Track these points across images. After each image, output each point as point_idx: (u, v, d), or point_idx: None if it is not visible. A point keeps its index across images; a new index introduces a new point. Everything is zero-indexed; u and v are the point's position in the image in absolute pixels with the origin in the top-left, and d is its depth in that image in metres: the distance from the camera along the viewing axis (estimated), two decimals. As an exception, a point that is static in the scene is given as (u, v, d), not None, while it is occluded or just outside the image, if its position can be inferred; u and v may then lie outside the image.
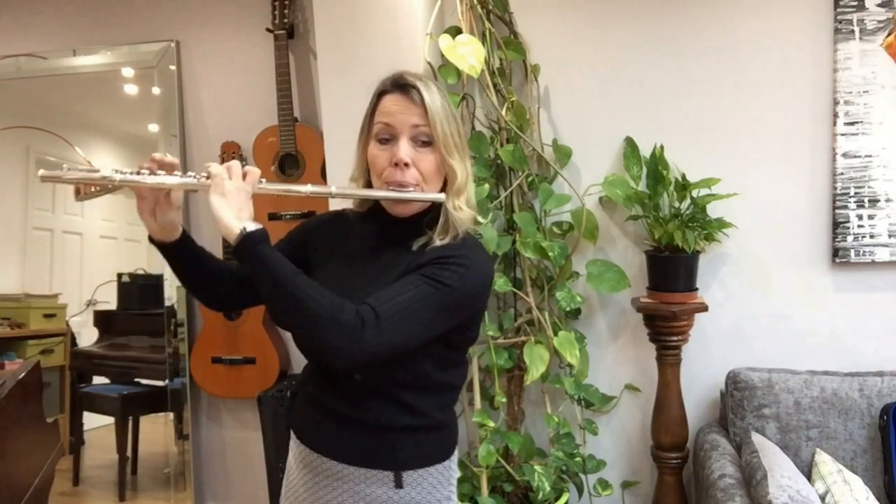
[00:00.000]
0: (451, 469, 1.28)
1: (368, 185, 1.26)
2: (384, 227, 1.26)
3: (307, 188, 1.20)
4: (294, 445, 1.31)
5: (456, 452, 1.31)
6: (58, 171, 1.10)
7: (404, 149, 1.17)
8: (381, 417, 1.19)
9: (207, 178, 1.12)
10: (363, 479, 1.20)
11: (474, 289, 1.18)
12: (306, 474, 1.26)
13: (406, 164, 1.17)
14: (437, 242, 1.20)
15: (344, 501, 1.21)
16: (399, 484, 1.20)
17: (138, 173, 1.13)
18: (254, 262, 1.07)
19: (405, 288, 1.11)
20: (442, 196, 1.20)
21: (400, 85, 1.20)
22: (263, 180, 1.16)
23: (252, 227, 1.08)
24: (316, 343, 1.06)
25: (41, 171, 1.10)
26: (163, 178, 1.14)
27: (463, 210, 1.22)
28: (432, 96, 1.19)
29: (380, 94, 1.23)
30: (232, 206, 1.09)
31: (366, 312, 1.05)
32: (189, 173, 1.15)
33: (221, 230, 1.08)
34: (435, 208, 1.23)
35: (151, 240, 1.24)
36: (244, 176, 1.13)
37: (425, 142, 1.19)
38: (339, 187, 1.23)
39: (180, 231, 1.24)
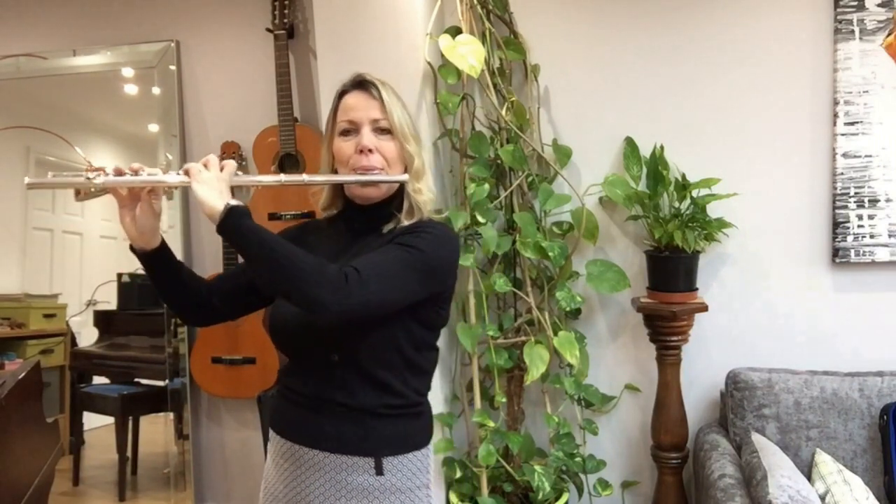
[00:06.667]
0: (428, 456, 1.31)
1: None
2: (353, 218, 1.35)
3: (280, 178, 1.27)
4: (273, 443, 1.34)
5: (432, 440, 1.34)
6: (42, 179, 1.15)
7: (367, 136, 1.28)
8: (360, 399, 1.23)
9: (187, 174, 1.17)
10: (344, 468, 1.23)
11: (443, 256, 1.26)
12: (287, 468, 1.28)
13: (370, 150, 1.27)
14: (405, 223, 1.30)
15: (325, 491, 1.23)
16: (379, 470, 1.23)
17: (119, 175, 1.16)
18: (241, 233, 1.13)
19: (381, 254, 1.21)
20: (405, 176, 1.30)
21: (359, 83, 1.31)
22: (239, 173, 1.23)
23: (234, 202, 1.13)
24: (305, 297, 1.11)
25: (27, 179, 1.13)
26: (142, 178, 1.17)
27: (423, 193, 1.32)
28: (388, 91, 1.30)
29: (340, 95, 1.32)
30: (213, 189, 1.15)
31: (349, 270, 1.13)
32: (169, 172, 1.20)
33: (207, 212, 1.14)
34: (399, 195, 1.32)
35: (132, 248, 1.27)
36: (221, 168, 1.19)
37: (385, 130, 1.29)
38: (310, 175, 1.31)
39: (160, 239, 1.28)
